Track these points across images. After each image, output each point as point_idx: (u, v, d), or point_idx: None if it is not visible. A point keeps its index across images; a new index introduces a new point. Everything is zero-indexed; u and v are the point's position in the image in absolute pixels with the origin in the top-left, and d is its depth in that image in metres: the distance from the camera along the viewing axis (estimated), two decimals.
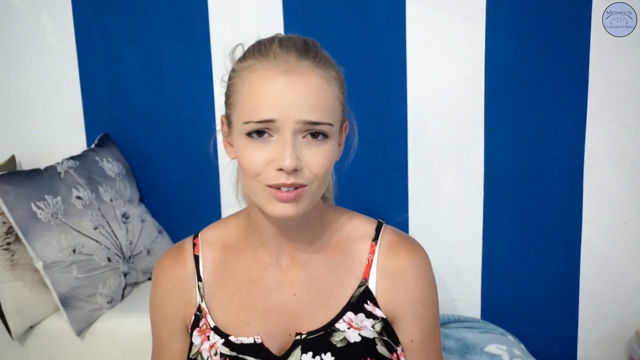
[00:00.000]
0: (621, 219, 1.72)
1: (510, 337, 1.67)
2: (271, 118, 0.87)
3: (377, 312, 0.98)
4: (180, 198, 1.92)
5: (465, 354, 1.56)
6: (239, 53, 0.96)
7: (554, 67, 1.68)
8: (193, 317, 1.02)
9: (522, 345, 1.67)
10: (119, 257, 1.69)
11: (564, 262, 1.77)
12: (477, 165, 1.76)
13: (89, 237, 1.63)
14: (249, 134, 0.89)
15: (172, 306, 1.03)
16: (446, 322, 1.72)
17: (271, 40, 0.92)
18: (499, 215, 1.78)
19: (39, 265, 1.55)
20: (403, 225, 1.81)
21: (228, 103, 0.95)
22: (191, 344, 1.01)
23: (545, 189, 1.74)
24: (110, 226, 1.70)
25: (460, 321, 1.73)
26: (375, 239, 1.01)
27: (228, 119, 0.95)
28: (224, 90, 0.96)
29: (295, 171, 0.87)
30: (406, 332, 1.00)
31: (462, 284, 1.82)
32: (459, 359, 1.54)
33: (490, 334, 1.65)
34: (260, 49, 0.91)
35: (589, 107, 1.68)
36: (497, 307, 1.82)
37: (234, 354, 0.96)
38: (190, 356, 1.01)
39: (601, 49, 1.64)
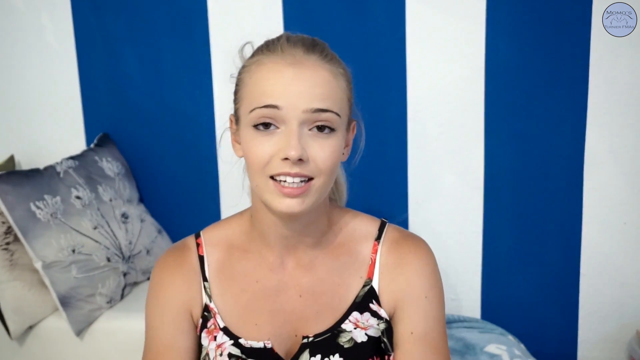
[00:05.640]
0: (621, 219, 1.72)
1: (510, 337, 1.66)
2: (276, 104, 0.87)
3: (382, 313, 0.98)
4: (180, 198, 1.91)
5: (465, 354, 1.56)
6: (247, 51, 0.97)
7: (554, 67, 1.68)
8: (201, 320, 1.00)
9: (522, 345, 1.67)
10: (119, 257, 1.69)
11: (564, 262, 1.77)
12: (477, 165, 1.76)
13: (88, 237, 1.63)
14: (256, 126, 0.90)
15: (181, 304, 1.01)
16: (446, 322, 1.72)
17: (279, 37, 0.95)
18: (499, 215, 1.77)
19: (38, 265, 1.55)
20: (403, 225, 1.79)
21: (236, 98, 0.96)
22: (200, 346, 1.00)
23: (545, 189, 1.74)
24: (109, 226, 1.69)
25: (460, 321, 1.73)
26: (378, 238, 1.01)
27: (236, 115, 0.96)
28: (226, 90, 0.97)
29: (300, 161, 0.87)
30: (407, 323, 0.96)
31: (462, 284, 1.82)
32: (459, 359, 1.54)
33: (490, 334, 1.65)
34: (268, 45, 0.94)
35: (589, 107, 1.68)
36: (497, 307, 1.82)
37: (243, 356, 0.95)
38: (202, 358, 0.99)
39: (601, 49, 1.64)
